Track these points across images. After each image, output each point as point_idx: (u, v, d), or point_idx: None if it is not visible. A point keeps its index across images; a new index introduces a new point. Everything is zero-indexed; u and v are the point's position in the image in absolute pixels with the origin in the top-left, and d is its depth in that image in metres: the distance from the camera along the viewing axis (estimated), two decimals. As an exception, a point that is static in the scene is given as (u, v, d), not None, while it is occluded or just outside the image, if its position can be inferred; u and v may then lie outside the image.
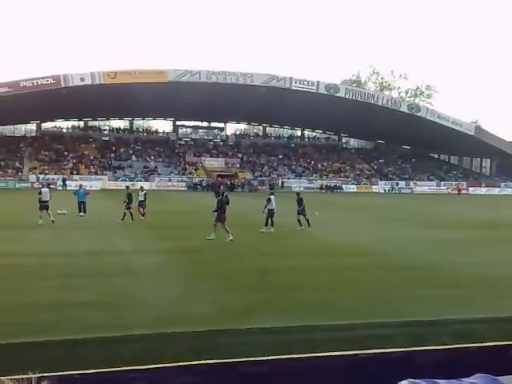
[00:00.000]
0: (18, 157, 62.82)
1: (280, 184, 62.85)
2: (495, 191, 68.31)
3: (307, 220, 21.17)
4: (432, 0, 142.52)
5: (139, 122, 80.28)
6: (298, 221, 21.15)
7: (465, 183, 70.83)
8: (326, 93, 59.09)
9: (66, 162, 62.93)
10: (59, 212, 24.56)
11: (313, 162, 72.78)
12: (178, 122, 74.91)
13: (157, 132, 77.17)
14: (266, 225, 19.78)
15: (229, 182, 60.21)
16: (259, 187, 60.93)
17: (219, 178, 62.58)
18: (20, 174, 58.92)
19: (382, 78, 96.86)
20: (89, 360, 5.61)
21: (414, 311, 8.89)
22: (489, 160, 78.53)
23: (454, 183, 69.94)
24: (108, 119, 75.70)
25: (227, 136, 77.09)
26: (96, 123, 74.77)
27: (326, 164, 72.87)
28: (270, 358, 2.90)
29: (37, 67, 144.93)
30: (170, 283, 11.15)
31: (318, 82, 59.31)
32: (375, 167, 74.77)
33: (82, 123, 73.13)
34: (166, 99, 57.81)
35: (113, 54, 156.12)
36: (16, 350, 6.01)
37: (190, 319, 8.26)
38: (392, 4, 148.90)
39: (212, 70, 55.82)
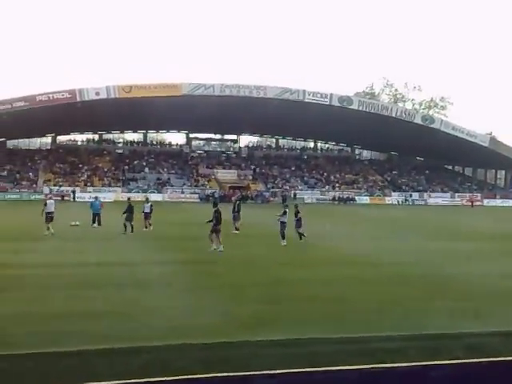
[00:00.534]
0: (32, 169, 63.55)
1: (292, 196, 62.77)
2: (510, 203, 67.52)
3: (299, 233, 20.68)
4: (445, 12, 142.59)
5: (153, 135, 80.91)
6: (298, 233, 20.80)
7: (479, 195, 70.16)
8: (339, 105, 59.08)
9: (80, 175, 63.53)
10: (72, 223, 24.77)
11: (325, 174, 72.65)
12: (191, 135, 75.36)
13: (170, 144, 77.69)
14: (283, 238, 19.43)
15: (239, 194, 60.36)
16: (271, 199, 60.90)
17: (231, 190, 62.69)
18: (34, 185, 59.56)
19: (395, 90, 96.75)
20: (100, 371, 5.61)
21: (426, 324, 8.79)
22: (503, 171, 77.79)
23: (468, 195, 69.31)
24: (122, 132, 76.41)
25: (240, 148, 77.33)
26: (110, 136, 75.50)
27: (338, 176, 72.68)
28: (281, 371, 2.89)
29: (53, 82, 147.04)
30: (180, 294, 11.16)
31: (331, 95, 59.35)
32: (388, 179, 74.42)
33: (96, 136, 73.88)
34: (179, 112, 58.23)
35: (127, 68, 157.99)
36: (27, 360, 6.04)
37: (200, 330, 8.24)
38: (405, 16, 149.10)
39: (225, 84, 56.15)
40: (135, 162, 68.74)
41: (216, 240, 17.46)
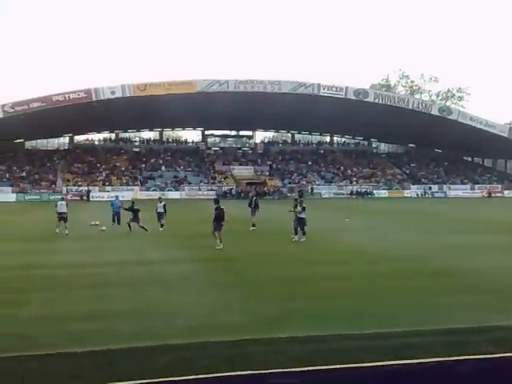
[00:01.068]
0: (51, 169, 64.28)
1: (310, 191, 62.59)
2: (532, 194, 66.50)
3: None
4: (460, 2, 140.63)
5: (169, 133, 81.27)
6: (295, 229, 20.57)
7: (500, 186, 69.21)
8: (354, 98, 58.67)
9: (98, 174, 64.08)
10: (92, 223, 24.98)
11: (342, 168, 72.27)
12: (206, 132, 75.51)
13: (186, 142, 77.97)
14: (304, 233, 19.22)
15: (255, 189, 60.36)
16: (288, 194, 60.80)
17: (248, 186, 62.70)
18: (53, 186, 60.22)
19: (411, 82, 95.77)
20: (123, 370, 5.63)
21: (451, 318, 8.67)
22: (524, 162, 76.65)
23: (488, 186, 68.43)
24: (138, 131, 76.86)
25: (256, 144, 77.27)
26: (127, 135, 76.00)
27: (356, 169, 72.25)
28: (304, 369, 2.84)
29: (68, 81, 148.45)
30: (200, 292, 11.16)
31: (347, 88, 58.96)
32: (407, 171, 73.76)
33: (113, 135, 74.44)
34: (194, 109, 58.37)
35: (141, 66, 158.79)
36: (51, 360, 6.08)
37: (221, 328, 8.23)
38: (419, 7, 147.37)
39: (240, 79, 56.09)
40: (152, 161, 69.13)
41: (217, 236, 17.42)
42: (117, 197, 27.81)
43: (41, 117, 52.11)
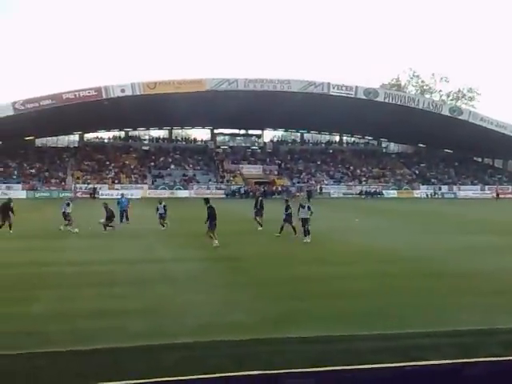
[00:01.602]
0: (61, 167, 64.62)
1: (318, 190, 62.45)
2: (543, 194, 65.93)
3: (293, 227, 20.58)
4: (467, 3, 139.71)
5: (178, 131, 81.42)
6: (281, 228, 20.63)
7: (510, 187, 68.69)
8: (364, 97, 58.43)
9: (107, 172, 64.33)
10: (101, 221, 25.05)
11: (352, 168, 72.05)
12: (215, 130, 75.56)
13: (195, 140, 78.08)
14: (307, 233, 19.09)
15: (262, 189, 60.38)
16: (297, 194, 60.71)
17: (257, 185, 62.71)
18: (63, 183, 60.54)
19: (422, 82, 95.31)
20: (131, 368, 5.64)
21: (460, 320, 8.61)
22: (536, 163, 75.96)
23: (498, 187, 67.95)
24: (148, 129, 77.05)
25: (265, 143, 77.22)
26: (136, 133, 76.22)
27: (365, 169, 72.00)
28: (312, 369, 2.82)
29: (79, 79, 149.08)
30: (208, 291, 11.17)
31: (357, 87, 58.72)
32: (417, 172, 73.40)
33: (122, 133, 74.68)
34: (204, 108, 58.41)
35: (150, 64, 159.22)
36: (61, 358, 6.11)
37: (229, 327, 8.23)
38: (430, 6, 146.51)
39: (249, 78, 56.04)
40: (161, 159, 69.29)
41: (211, 235, 17.47)
42: (123, 195, 27.91)
43: (51, 114, 52.35)
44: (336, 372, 2.87)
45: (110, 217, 22.73)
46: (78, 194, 55.03)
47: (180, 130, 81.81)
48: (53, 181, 60.83)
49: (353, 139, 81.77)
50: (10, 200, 22.27)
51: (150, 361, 6.04)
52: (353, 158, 75.29)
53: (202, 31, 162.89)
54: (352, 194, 63.99)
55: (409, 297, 10.45)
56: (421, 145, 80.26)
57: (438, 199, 61.85)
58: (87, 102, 52.81)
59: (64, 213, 22.53)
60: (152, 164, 67.96)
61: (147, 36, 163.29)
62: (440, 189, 67.65)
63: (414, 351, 6.24)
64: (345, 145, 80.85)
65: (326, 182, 67.28)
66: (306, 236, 18.97)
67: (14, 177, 60.22)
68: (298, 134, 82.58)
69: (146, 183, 62.25)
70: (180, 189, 61.29)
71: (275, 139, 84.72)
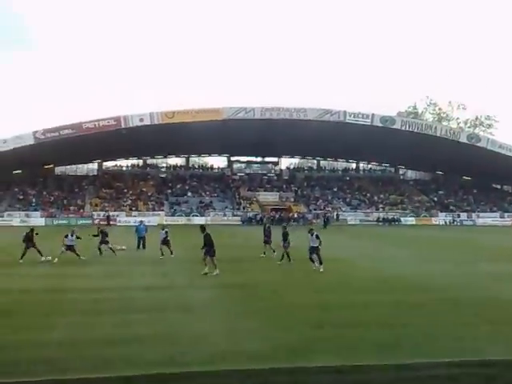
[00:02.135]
0: (80, 195, 65.36)
1: (335, 217, 62.15)
2: None
3: (287, 254, 20.50)
4: (485, 30, 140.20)
5: (195, 159, 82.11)
6: (282, 255, 20.59)
7: (531, 215, 67.59)
8: (381, 125, 58.46)
9: (125, 199, 64.89)
10: (118, 248, 25.21)
11: (369, 195, 71.72)
12: (232, 158, 76.06)
13: (212, 168, 78.59)
14: (312, 261, 18.63)
15: (277, 216, 60.23)
16: (314, 221, 60.45)
17: (273, 212, 62.69)
18: (81, 211, 61.15)
19: (439, 109, 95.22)
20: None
21: (481, 349, 8.43)
22: (556, 190, 74.81)
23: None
24: (165, 157, 77.87)
25: (281, 170, 77.40)
26: (154, 161, 77.05)
27: (382, 196, 71.60)
28: None
29: (98, 109, 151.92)
30: (224, 318, 11.10)
31: (373, 115, 58.83)
32: (435, 199, 72.75)
33: (140, 161, 75.56)
34: (220, 136, 58.93)
35: (167, 94, 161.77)
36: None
37: (245, 356, 8.16)
38: (446, 34, 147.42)
39: (266, 107, 56.56)
40: (178, 186, 69.79)
41: (210, 263, 17.23)
42: (141, 222, 27.93)
43: (71, 143, 53.23)
44: None
45: (103, 241, 23.21)
46: (95, 222, 55.50)
47: (197, 158, 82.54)
48: (71, 208, 61.48)
49: (370, 166, 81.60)
50: (31, 230, 22.35)
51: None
52: (370, 184, 75.03)
53: (218, 61, 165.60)
54: (369, 221, 63.53)
55: (430, 326, 10.27)
56: (438, 172, 79.73)
57: (457, 226, 61.11)
58: (106, 131, 53.66)
59: (70, 246, 21.77)
60: (169, 191, 68.45)
61: (165, 66, 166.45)
62: (459, 216, 66.85)
63: (433, 381, 6.11)
64: (362, 172, 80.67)
65: (343, 208, 66.96)
66: (313, 263, 18.55)
67: (33, 204, 61.02)
68: (315, 162, 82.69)
69: (163, 210, 62.57)
70: (197, 215, 61.48)
71: (292, 166, 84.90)
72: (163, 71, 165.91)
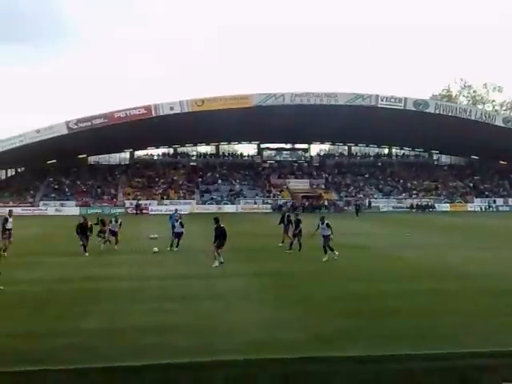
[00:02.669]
0: (112, 184, 66.42)
1: (367, 204, 61.51)
2: None
3: (300, 243, 20.30)
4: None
5: (225, 147, 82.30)
6: (290, 244, 20.40)
7: None
8: (414, 109, 57.32)
9: (156, 188, 65.62)
10: (151, 236, 25.48)
11: (402, 181, 70.65)
12: (262, 145, 75.91)
13: (242, 155, 78.68)
14: (330, 250, 18.09)
15: (307, 203, 59.93)
16: (345, 208, 59.97)
17: (304, 199, 62.44)
18: (115, 200, 62.13)
19: (474, 92, 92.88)
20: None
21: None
22: None
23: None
24: (195, 145, 78.28)
25: (311, 157, 76.90)
26: (184, 149, 77.57)
27: (416, 182, 70.45)
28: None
29: (129, 99, 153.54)
30: (257, 307, 11.10)
31: (406, 99, 57.69)
32: (470, 184, 71.19)
33: (171, 150, 76.14)
34: (250, 123, 58.80)
35: (198, 82, 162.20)
36: (115, 374, 6.18)
37: (279, 344, 8.14)
38: (480, 16, 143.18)
39: (295, 92, 56.08)
40: (208, 174, 70.14)
41: (215, 253, 17.08)
42: (176, 210, 27.73)
43: (103, 133, 53.99)
44: None
45: (102, 230, 22.58)
46: (129, 210, 56.37)
47: (227, 146, 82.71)
48: (105, 197, 62.55)
49: (402, 151, 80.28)
50: (85, 219, 21.57)
51: (200, 378, 6.02)
52: (403, 170, 73.88)
53: (247, 47, 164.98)
54: (402, 208, 62.65)
55: (465, 316, 10.07)
56: (473, 156, 77.91)
57: (493, 212, 59.76)
58: (138, 120, 54.17)
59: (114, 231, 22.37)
60: (200, 179, 68.87)
61: (196, 55, 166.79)
62: (495, 202, 65.36)
63: (469, 371, 5.96)
64: (394, 157, 79.45)
65: (375, 195, 66.19)
66: (325, 254, 18.06)
67: (68, 194, 62.31)
68: (346, 148, 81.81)
69: (193, 198, 63.04)
70: (227, 203, 61.75)
71: (322, 153, 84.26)
72: (193, 58, 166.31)
